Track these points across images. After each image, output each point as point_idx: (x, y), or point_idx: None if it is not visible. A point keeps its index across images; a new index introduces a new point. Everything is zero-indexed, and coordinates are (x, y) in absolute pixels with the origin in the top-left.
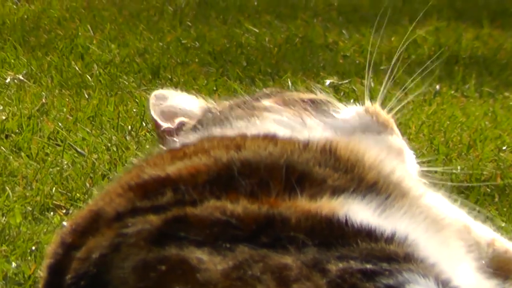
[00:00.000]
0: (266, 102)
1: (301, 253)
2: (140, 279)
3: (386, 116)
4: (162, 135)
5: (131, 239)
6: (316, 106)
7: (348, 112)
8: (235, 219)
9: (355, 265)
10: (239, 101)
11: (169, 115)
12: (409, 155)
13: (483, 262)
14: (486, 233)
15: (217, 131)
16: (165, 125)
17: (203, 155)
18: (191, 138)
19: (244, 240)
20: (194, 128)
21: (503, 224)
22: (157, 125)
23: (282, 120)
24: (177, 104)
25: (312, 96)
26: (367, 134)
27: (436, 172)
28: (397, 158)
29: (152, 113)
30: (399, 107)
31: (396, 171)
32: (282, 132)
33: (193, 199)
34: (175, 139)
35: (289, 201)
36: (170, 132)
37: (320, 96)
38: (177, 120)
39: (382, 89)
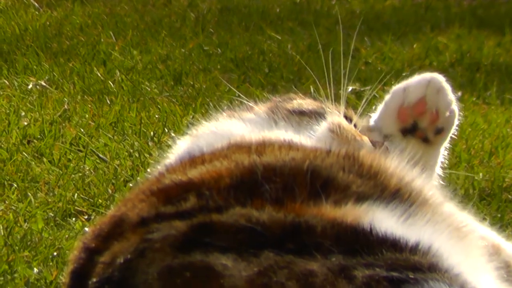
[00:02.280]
0: (258, 107)
1: (327, 260)
2: (165, 285)
3: (348, 129)
4: None
5: (156, 244)
6: (303, 118)
7: (321, 127)
8: (260, 227)
9: (381, 273)
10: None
11: None
12: None
13: None
14: None
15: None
16: None
17: (224, 160)
18: None
19: (269, 247)
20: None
21: None
22: None
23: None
24: None
25: (301, 107)
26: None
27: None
28: None
29: None
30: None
31: (417, 179)
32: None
33: (218, 206)
34: None
35: (314, 208)
36: None
37: (313, 106)
38: None
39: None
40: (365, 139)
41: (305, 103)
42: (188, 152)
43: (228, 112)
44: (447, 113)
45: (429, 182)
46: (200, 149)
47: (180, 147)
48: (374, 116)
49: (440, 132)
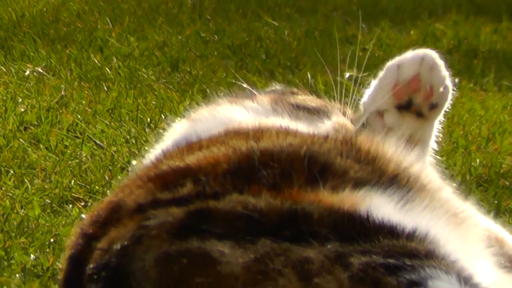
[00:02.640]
0: (259, 97)
1: (324, 247)
2: (162, 272)
3: (352, 130)
4: None
5: (153, 231)
6: (306, 114)
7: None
8: (257, 214)
9: (377, 260)
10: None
11: None
12: None
13: None
14: None
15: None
16: None
17: (221, 145)
18: None
19: (266, 234)
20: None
21: None
22: None
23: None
24: None
25: (305, 103)
26: None
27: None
28: None
29: None
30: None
31: (415, 164)
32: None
33: (215, 192)
34: None
35: (311, 194)
36: None
37: (316, 103)
38: None
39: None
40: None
41: (309, 99)
42: (185, 137)
43: (230, 98)
44: (441, 89)
45: (425, 162)
46: (198, 134)
47: (178, 130)
48: (366, 93)
49: (434, 107)
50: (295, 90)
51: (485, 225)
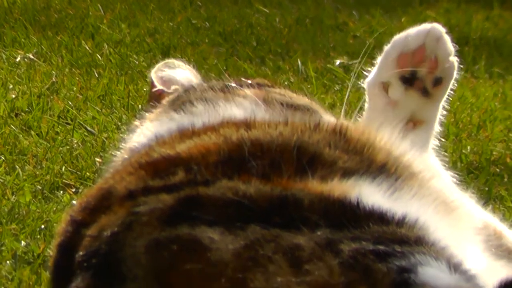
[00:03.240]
0: (248, 92)
1: (314, 234)
2: (152, 258)
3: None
4: (153, 95)
5: (143, 217)
6: (294, 112)
7: None
8: (247, 200)
9: (367, 246)
10: (221, 85)
11: (166, 81)
12: None
13: None
14: None
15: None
16: (159, 86)
17: (213, 134)
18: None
19: (256, 220)
20: (174, 103)
21: None
22: (152, 85)
23: (258, 113)
24: (178, 75)
25: (292, 101)
26: None
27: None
28: None
29: (152, 73)
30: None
31: (406, 153)
32: None
33: (205, 179)
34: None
35: (301, 183)
36: (162, 96)
37: (304, 101)
38: (173, 87)
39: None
40: None
41: (295, 97)
42: (178, 126)
43: (223, 94)
44: (446, 64)
45: (428, 144)
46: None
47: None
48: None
49: (439, 82)
50: (268, 82)
51: (484, 217)
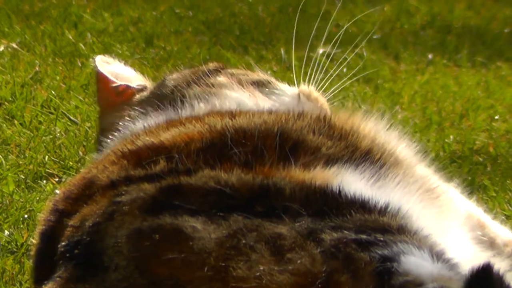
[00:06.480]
0: (221, 79)
1: (296, 223)
2: (135, 248)
3: (319, 98)
4: (113, 91)
5: (125, 207)
6: (260, 88)
7: (284, 95)
8: (229, 189)
9: (349, 235)
10: (192, 76)
11: (117, 77)
12: None
13: (500, 259)
14: (502, 232)
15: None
16: (119, 82)
17: (198, 123)
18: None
19: (238, 209)
20: (148, 102)
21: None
22: (105, 81)
23: (242, 100)
24: (120, 71)
25: (255, 77)
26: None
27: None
28: None
29: (101, 69)
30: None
31: (390, 140)
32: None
33: (187, 168)
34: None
35: (283, 171)
36: (129, 92)
37: (262, 76)
38: (135, 83)
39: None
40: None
41: (250, 73)
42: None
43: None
44: None
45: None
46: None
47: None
48: None
49: None
50: (221, 64)
51: (467, 207)
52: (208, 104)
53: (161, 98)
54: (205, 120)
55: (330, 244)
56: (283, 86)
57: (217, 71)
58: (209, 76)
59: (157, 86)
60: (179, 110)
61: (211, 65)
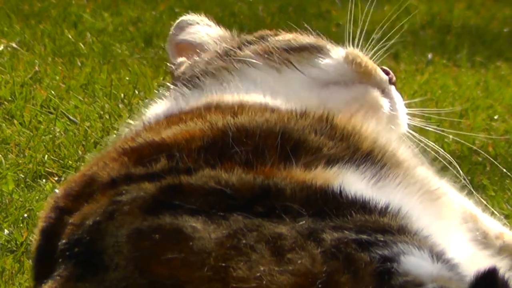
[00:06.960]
0: (247, 52)
1: (296, 223)
2: (135, 248)
3: (368, 64)
4: (172, 70)
5: (125, 207)
6: (298, 53)
7: (332, 59)
8: (229, 189)
9: (350, 236)
10: (228, 47)
11: (182, 48)
12: (396, 107)
13: (491, 252)
14: (494, 225)
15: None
16: (175, 61)
17: (199, 120)
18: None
19: (239, 209)
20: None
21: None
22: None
23: (256, 80)
24: (194, 34)
25: (301, 41)
26: (341, 86)
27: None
28: (372, 114)
29: (168, 45)
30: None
31: (391, 141)
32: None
33: (188, 167)
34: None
35: (284, 171)
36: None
37: (308, 40)
38: (180, 60)
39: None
40: (379, 70)
41: (300, 37)
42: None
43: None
44: None
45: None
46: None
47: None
48: None
49: None
50: (270, 32)
51: (460, 202)
52: (219, 90)
53: (190, 78)
54: (206, 117)
55: (330, 244)
56: (332, 51)
57: (250, 42)
58: (240, 49)
59: (189, 66)
60: (187, 98)
61: (259, 33)
